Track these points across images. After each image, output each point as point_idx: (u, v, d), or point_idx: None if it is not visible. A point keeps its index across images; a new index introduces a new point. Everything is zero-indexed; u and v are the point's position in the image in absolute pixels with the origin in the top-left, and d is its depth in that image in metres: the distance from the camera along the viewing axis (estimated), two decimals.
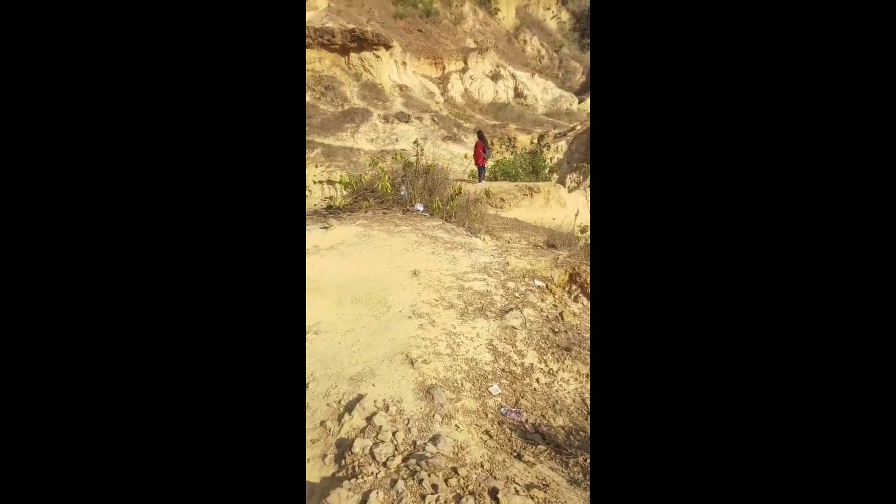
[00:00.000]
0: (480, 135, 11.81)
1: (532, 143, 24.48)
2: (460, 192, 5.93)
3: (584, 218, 11.66)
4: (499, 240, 5.73)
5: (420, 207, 5.94)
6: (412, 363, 2.80)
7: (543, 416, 2.69)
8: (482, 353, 3.09)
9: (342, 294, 3.61)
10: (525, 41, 40.38)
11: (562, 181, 17.86)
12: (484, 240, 5.47)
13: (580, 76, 39.60)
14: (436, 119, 20.61)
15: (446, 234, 5.20)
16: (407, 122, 19.78)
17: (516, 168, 13.56)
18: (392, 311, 3.42)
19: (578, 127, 22.17)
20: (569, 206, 12.17)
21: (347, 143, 18.95)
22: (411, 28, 31.23)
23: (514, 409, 2.64)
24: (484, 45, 33.87)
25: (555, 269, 4.45)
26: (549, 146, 20.47)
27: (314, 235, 4.88)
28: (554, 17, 44.85)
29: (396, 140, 19.33)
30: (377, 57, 23.33)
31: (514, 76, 33.30)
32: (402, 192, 6.10)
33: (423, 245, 4.76)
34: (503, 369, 2.99)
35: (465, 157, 19.46)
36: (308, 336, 3.01)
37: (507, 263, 4.52)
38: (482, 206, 6.17)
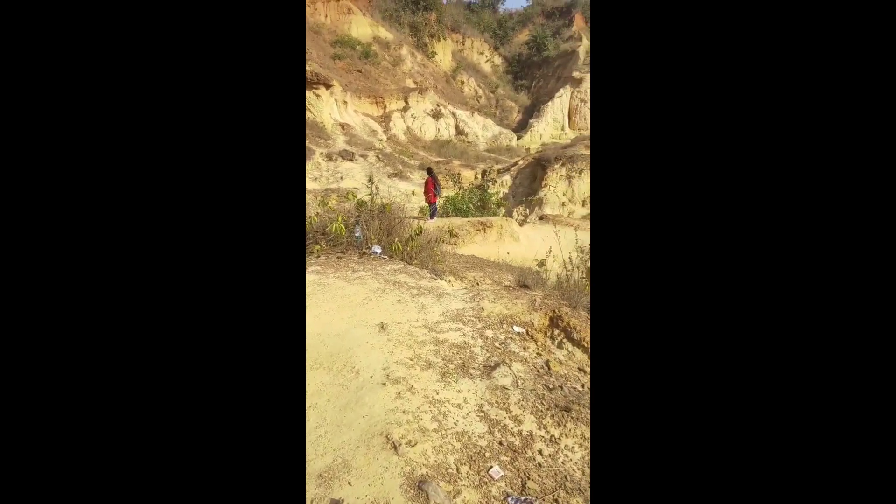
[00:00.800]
0: (431, 172, 11.61)
1: (476, 178, 24.84)
2: (420, 232, 5.53)
3: (540, 252, 11.61)
4: (464, 281, 5.35)
5: (378, 250, 5.47)
6: (395, 447, 2.28)
7: (556, 500, 2.25)
8: (474, 424, 2.62)
9: None
10: (462, 82, 41.75)
11: (509, 214, 18.04)
12: (450, 282, 5.07)
13: (516, 115, 41.31)
14: (380, 156, 20.38)
15: (410, 279, 4.75)
16: (351, 159, 19.37)
17: (467, 203, 13.44)
18: (362, 376, 2.89)
19: (521, 162, 22.80)
20: (521, 240, 12.13)
21: None
22: (350, 69, 31.33)
23: (522, 499, 2.18)
24: (424, 86, 34.56)
25: (533, 312, 4.11)
26: (494, 181, 20.76)
27: None
28: (488, 60, 46.94)
29: (341, 178, 18.82)
30: (317, 96, 22.99)
31: (454, 115, 34.09)
32: (356, 234, 5.61)
33: (387, 292, 4.27)
34: (500, 442, 2.53)
35: (413, 193, 19.25)
36: None
37: (482, 308, 4.12)
38: (444, 245, 5.79)
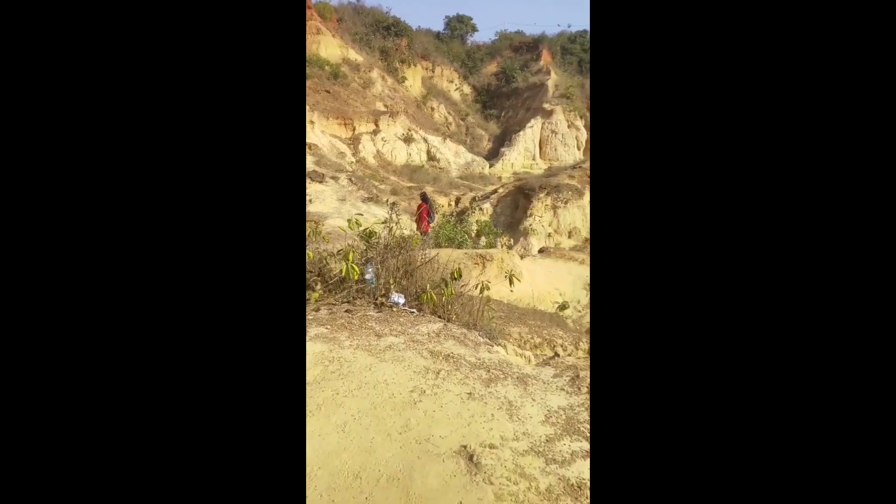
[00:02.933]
0: (424, 196, 10.19)
1: (450, 205, 23.65)
2: (459, 276, 4.05)
3: (546, 290, 10.27)
4: (523, 345, 3.88)
5: (400, 300, 3.93)
6: None
7: None
8: None
9: None
10: (433, 108, 41.12)
11: (493, 244, 16.82)
12: (515, 351, 3.58)
13: (486, 143, 40.87)
14: (353, 179, 18.78)
15: (462, 347, 3.23)
16: (321, 181, 17.69)
17: (461, 233, 12.04)
18: None
19: (500, 190, 21.80)
20: (525, 276, 10.81)
21: None
22: (318, 88, 29.83)
23: None
24: (394, 109, 33.52)
25: None
26: (479, 208, 19.56)
27: None
28: (457, 89, 46.76)
29: (310, 201, 17.07)
30: None
31: (426, 140, 33.12)
32: (368, 277, 4.05)
33: (444, 378, 2.73)
34: None
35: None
36: None
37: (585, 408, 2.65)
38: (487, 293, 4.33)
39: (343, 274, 3.60)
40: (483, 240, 15.73)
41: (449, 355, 3.03)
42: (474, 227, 17.10)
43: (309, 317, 3.54)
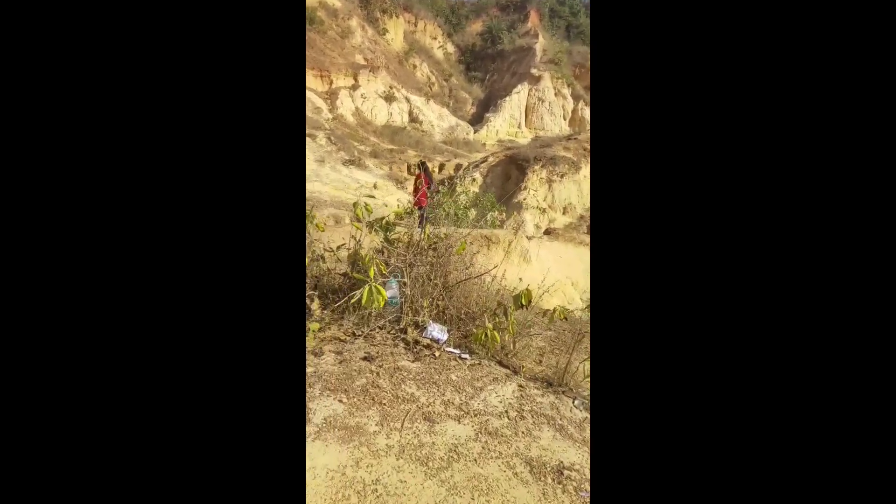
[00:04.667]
0: (423, 166, 8.66)
1: (434, 171, 22.08)
2: (529, 302, 2.69)
3: (556, 277, 9.11)
4: None
5: (442, 335, 2.59)
6: None
7: None
8: None
9: None
10: (415, 66, 38.56)
11: (481, 220, 15.52)
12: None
13: (470, 107, 38.80)
14: (332, 138, 16.88)
15: (566, 442, 1.95)
16: None
17: (463, 209, 10.63)
18: None
19: (491, 158, 20.27)
20: (533, 262, 9.60)
21: None
22: None
23: None
24: (375, 64, 31.03)
25: None
26: (471, 178, 18.06)
27: None
28: (440, 47, 44.08)
29: None
30: None
31: (408, 100, 30.97)
32: (391, 297, 2.69)
33: None
34: None
35: (375, 186, 16.00)
36: None
37: None
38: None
39: (363, 302, 2.23)
40: (478, 215, 14.34)
41: (558, 468, 1.75)
42: (462, 199, 15.78)
43: (309, 368, 2.17)
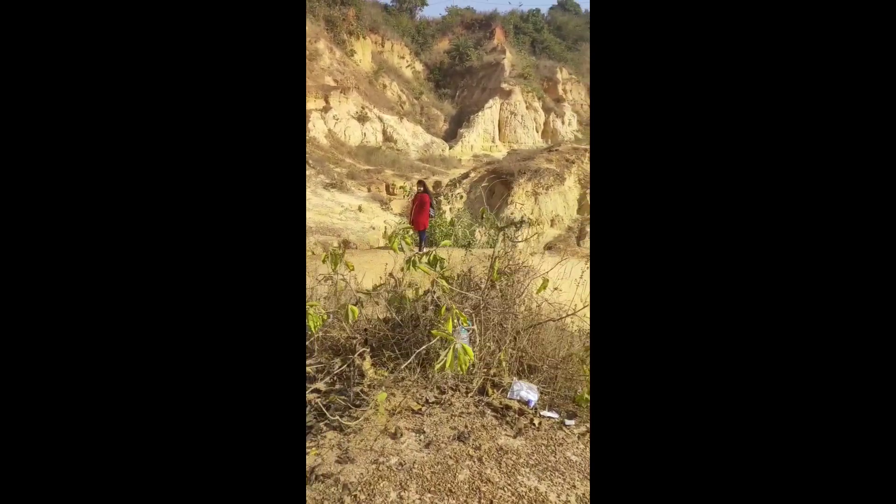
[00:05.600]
0: (423, 185, 8.22)
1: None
2: None
3: (564, 297, 8.70)
4: None
5: (532, 395, 2.10)
6: None
7: None
8: None
9: None
10: (385, 85, 38.33)
11: (469, 239, 15.11)
12: None
13: (443, 123, 38.70)
14: (311, 162, 16.28)
15: None
16: None
17: (464, 230, 10.15)
18: None
19: (472, 174, 19.97)
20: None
21: None
22: None
23: None
24: (345, 84, 30.67)
25: None
26: (458, 195, 17.68)
27: None
28: (409, 66, 44.06)
29: None
30: None
31: (381, 119, 30.64)
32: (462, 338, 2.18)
33: None
34: None
35: (360, 209, 15.34)
36: None
37: None
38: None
39: (447, 366, 1.74)
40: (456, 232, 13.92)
41: None
42: (449, 217, 15.41)
43: (392, 458, 1.64)
